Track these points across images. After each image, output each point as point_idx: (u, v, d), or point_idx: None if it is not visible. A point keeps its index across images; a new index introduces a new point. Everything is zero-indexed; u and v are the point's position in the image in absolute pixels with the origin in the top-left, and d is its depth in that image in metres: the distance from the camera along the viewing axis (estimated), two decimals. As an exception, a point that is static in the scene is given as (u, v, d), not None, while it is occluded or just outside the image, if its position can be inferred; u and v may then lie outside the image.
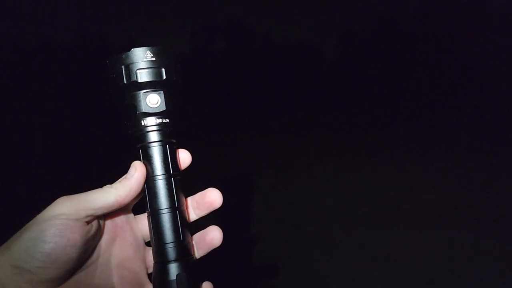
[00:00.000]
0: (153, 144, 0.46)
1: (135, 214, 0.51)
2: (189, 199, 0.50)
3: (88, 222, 0.43)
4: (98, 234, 0.46)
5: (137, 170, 0.45)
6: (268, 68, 18.27)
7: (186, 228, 0.47)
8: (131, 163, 0.47)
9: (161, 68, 0.46)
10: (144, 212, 0.49)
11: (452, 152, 5.25)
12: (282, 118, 9.48)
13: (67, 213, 0.41)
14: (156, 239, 0.46)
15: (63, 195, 0.43)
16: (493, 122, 7.10)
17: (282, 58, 19.74)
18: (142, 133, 0.47)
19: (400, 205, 3.41)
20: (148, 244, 0.50)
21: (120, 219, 0.49)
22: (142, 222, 0.50)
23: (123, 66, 0.45)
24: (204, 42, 24.89)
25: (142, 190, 0.47)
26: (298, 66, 18.77)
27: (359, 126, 7.93)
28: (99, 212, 0.44)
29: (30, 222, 0.41)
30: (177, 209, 0.46)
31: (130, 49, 0.45)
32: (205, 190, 0.50)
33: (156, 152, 0.46)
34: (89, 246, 0.44)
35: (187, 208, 0.50)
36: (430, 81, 14.37)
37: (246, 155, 5.49)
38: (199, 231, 0.50)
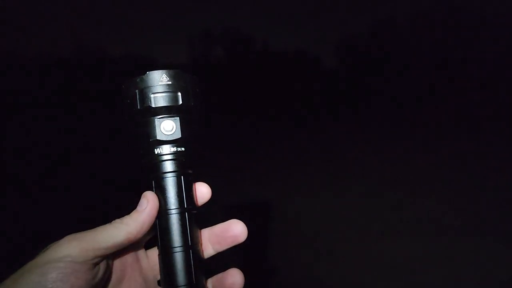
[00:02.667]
0: (166, 175, 0.43)
1: (150, 247, 0.47)
2: (206, 231, 0.46)
3: (95, 264, 0.39)
4: (106, 276, 0.41)
5: (149, 202, 0.41)
6: (266, 77, 18.30)
7: (201, 270, 0.43)
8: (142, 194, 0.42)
9: (177, 93, 0.42)
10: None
11: (454, 159, 5.23)
12: (280, 127, 9.46)
13: (73, 255, 0.37)
14: (166, 282, 0.42)
15: (70, 226, 0.39)
16: (494, 130, 7.10)
17: (280, 67, 19.77)
18: (155, 162, 0.43)
19: (402, 214, 3.40)
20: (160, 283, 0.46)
21: (130, 257, 0.45)
22: (153, 259, 0.46)
23: (137, 91, 0.42)
24: (202, 51, 24.96)
25: (154, 225, 0.43)
26: (296, 74, 18.80)
27: (359, 135, 7.91)
28: (109, 252, 0.40)
29: (33, 262, 0.37)
30: (190, 248, 0.42)
31: (145, 73, 0.42)
32: (227, 222, 0.45)
33: (169, 184, 0.42)
34: None
35: (202, 244, 0.45)
36: (430, 87, 14.41)
37: (243, 166, 5.45)
38: (216, 275, 0.45)
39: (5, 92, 12.07)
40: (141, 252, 0.46)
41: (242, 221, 0.46)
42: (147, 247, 0.47)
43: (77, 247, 0.38)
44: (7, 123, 8.51)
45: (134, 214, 0.41)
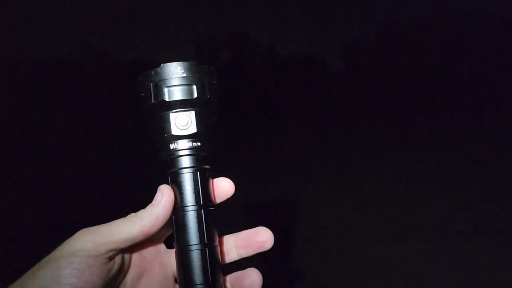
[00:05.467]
0: (182, 171, 0.42)
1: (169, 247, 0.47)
2: (232, 236, 0.46)
3: (110, 258, 0.38)
4: (122, 271, 0.41)
5: (164, 195, 0.41)
6: (273, 81, 18.31)
7: (218, 269, 0.42)
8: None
9: (192, 85, 0.41)
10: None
11: (460, 163, 5.19)
12: (286, 131, 9.46)
13: (87, 249, 0.37)
14: (182, 279, 0.41)
15: (85, 225, 0.39)
16: (499, 134, 7.05)
17: (287, 71, 19.79)
18: (171, 157, 0.42)
19: (408, 216, 3.38)
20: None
21: (149, 252, 0.44)
22: (173, 256, 0.45)
23: (151, 84, 0.41)
24: (208, 56, 25.06)
25: (171, 222, 0.42)
26: (303, 78, 18.80)
27: (366, 138, 7.88)
28: (123, 246, 0.39)
29: (47, 258, 0.37)
30: (207, 246, 0.41)
31: (160, 65, 0.41)
32: (255, 229, 0.45)
33: (185, 180, 0.41)
34: (111, 286, 0.39)
35: (222, 245, 0.45)
36: (435, 90, 14.34)
37: (247, 169, 5.44)
38: (233, 272, 0.45)
39: (12, 94, 12.19)
40: (161, 248, 0.46)
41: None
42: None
43: (91, 241, 0.37)
44: (14, 125, 8.58)
45: (148, 208, 0.41)
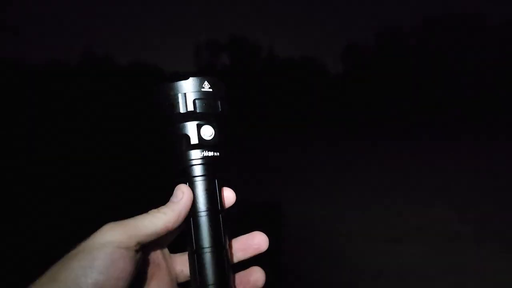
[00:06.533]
0: (202, 178, 0.45)
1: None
2: (232, 241, 0.49)
3: (137, 252, 0.40)
4: (143, 267, 0.43)
5: (184, 193, 0.43)
6: (272, 85, 18.32)
7: (231, 269, 0.45)
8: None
9: (217, 100, 0.45)
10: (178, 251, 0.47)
11: (462, 165, 5.20)
12: (286, 133, 9.47)
13: (117, 241, 0.38)
14: (198, 279, 0.43)
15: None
16: (498, 136, 7.06)
17: (286, 74, 19.81)
18: (192, 165, 0.45)
19: (408, 220, 3.39)
20: (180, 285, 0.47)
21: (157, 256, 0.46)
22: (176, 260, 0.48)
23: (179, 94, 0.44)
24: (208, 59, 25.04)
25: (188, 224, 0.45)
26: (302, 81, 18.82)
27: (366, 139, 7.90)
28: (148, 240, 0.41)
29: (77, 250, 0.38)
30: (224, 248, 0.45)
31: (188, 77, 0.45)
32: (251, 233, 0.49)
33: (205, 187, 0.45)
34: (133, 282, 0.40)
35: (230, 248, 0.48)
36: (434, 94, 14.36)
37: (249, 169, 5.45)
38: (239, 272, 0.48)
39: (15, 98, 12.18)
40: (166, 252, 0.48)
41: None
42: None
43: (121, 233, 0.38)
44: (15, 126, 8.58)
45: (170, 204, 0.43)
